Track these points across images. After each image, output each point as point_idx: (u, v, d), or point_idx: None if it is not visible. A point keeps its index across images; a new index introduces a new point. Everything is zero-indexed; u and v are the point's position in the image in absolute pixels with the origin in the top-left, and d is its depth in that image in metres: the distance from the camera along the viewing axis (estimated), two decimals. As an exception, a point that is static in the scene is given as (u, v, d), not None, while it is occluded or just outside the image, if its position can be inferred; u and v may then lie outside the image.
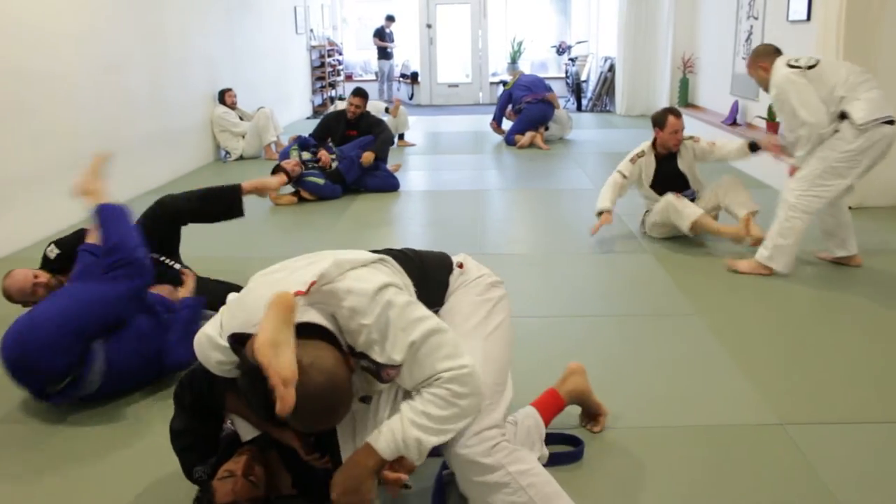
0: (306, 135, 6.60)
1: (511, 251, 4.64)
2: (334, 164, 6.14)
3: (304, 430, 1.78)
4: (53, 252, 3.36)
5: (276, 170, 5.90)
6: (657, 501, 2.10)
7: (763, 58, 3.92)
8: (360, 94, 6.79)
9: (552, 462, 2.19)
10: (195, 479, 2.03)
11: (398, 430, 1.72)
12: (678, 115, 4.50)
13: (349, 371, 1.66)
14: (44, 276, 3.11)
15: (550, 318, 3.52)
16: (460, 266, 2.09)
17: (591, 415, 2.49)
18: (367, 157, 6.24)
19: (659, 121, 4.50)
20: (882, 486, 2.15)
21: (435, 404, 1.72)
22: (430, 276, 2.02)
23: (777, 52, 3.92)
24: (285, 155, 6.27)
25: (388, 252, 2.00)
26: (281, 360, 1.52)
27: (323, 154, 6.18)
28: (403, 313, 1.72)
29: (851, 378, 2.82)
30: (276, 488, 2.04)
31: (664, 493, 2.14)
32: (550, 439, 2.35)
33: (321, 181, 6.02)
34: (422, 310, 1.79)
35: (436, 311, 1.93)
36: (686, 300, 3.64)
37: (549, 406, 2.35)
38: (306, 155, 6.17)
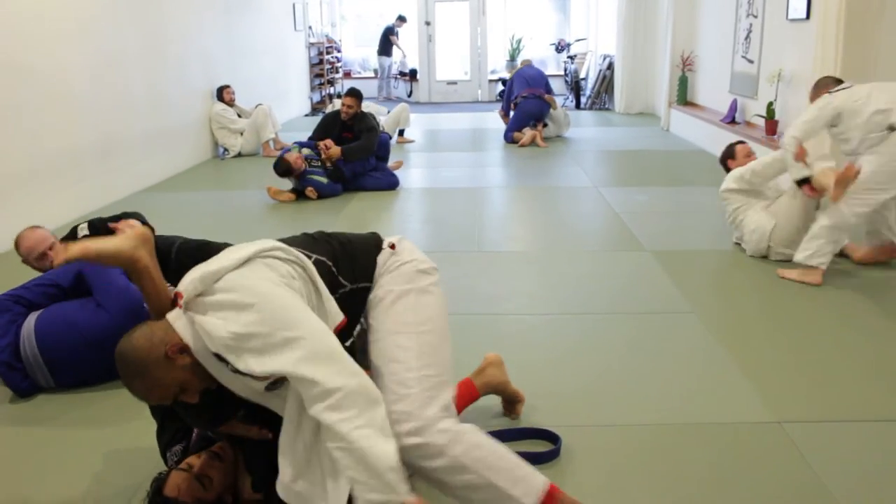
0: (306, 139, 6.55)
1: (509, 249, 4.63)
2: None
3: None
4: (83, 231, 3.34)
5: (280, 162, 5.89)
6: (653, 500, 2.10)
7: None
8: (353, 94, 6.52)
9: (530, 461, 2.15)
10: (167, 464, 2.09)
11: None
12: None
13: (162, 353, 1.68)
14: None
15: (548, 315, 3.51)
16: (392, 247, 2.01)
17: (511, 402, 2.54)
18: (334, 150, 6.07)
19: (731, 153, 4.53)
20: (879, 483, 2.15)
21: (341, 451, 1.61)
22: (352, 253, 1.97)
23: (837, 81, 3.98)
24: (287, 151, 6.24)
25: (292, 239, 1.98)
26: (81, 244, 1.75)
27: (324, 143, 6.15)
28: (266, 340, 1.63)
29: (849, 376, 2.82)
30: (238, 491, 2.03)
31: (660, 492, 2.13)
32: (527, 434, 2.39)
33: (324, 179, 6.00)
34: (290, 328, 1.65)
35: (363, 288, 1.94)
36: (683, 298, 3.64)
37: (462, 397, 2.36)
38: (307, 151, 6.15)
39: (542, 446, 2.34)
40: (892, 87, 3.75)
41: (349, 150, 6.16)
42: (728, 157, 4.52)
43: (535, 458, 2.21)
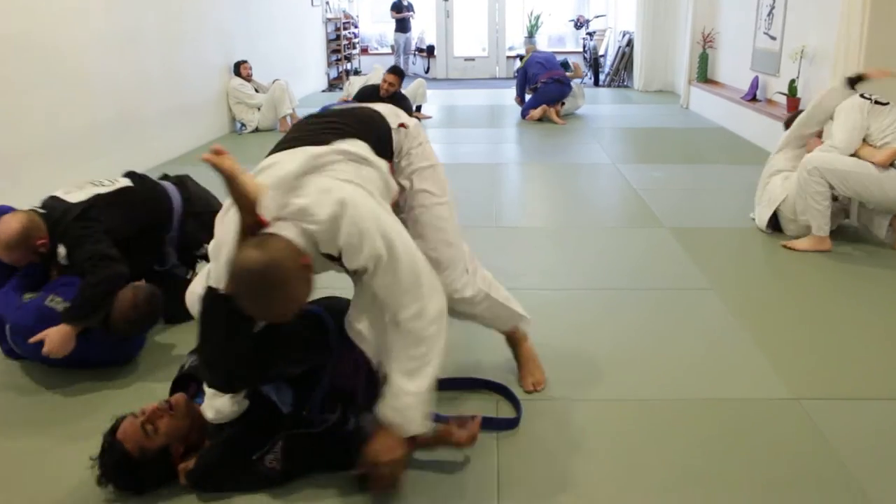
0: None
1: (527, 224, 4.62)
2: None
3: (251, 312, 1.74)
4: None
5: None
6: (669, 474, 2.11)
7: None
8: (397, 72, 6.50)
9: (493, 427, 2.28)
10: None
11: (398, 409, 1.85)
12: None
13: (300, 264, 1.65)
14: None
15: (565, 290, 3.51)
16: (403, 126, 2.17)
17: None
18: None
19: None
20: (898, 461, 2.14)
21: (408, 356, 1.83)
22: (378, 135, 2.08)
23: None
24: None
25: (316, 127, 2.01)
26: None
27: None
28: (368, 227, 1.74)
29: (868, 354, 2.80)
30: (189, 446, 2.05)
31: (676, 467, 2.14)
32: (495, 388, 2.52)
33: None
34: (389, 221, 1.83)
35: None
36: (702, 275, 3.62)
37: None
38: None
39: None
40: None
41: None
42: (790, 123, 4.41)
43: (492, 423, 2.27)
